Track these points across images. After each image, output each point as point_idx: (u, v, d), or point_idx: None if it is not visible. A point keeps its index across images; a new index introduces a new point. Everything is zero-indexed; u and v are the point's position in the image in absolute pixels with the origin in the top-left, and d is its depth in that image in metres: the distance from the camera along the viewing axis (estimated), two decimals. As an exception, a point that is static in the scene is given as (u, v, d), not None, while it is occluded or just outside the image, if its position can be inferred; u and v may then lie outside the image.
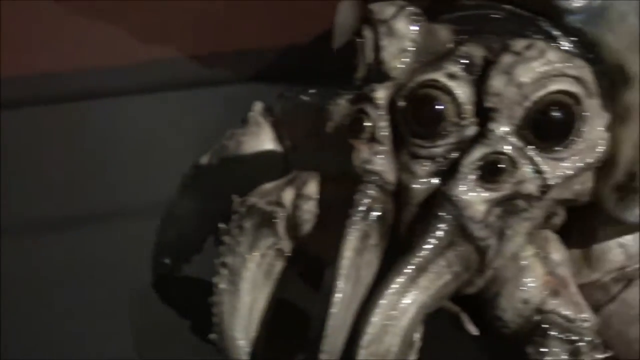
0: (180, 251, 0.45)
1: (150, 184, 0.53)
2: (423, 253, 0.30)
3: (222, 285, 0.34)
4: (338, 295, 0.30)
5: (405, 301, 0.30)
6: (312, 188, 0.33)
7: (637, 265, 0.34)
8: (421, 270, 0.30)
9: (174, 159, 0.48)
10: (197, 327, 0.35)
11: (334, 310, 0.30)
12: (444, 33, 0.32)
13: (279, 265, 0.34)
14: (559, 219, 0.33)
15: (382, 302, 0.30)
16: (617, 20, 0.31)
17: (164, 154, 0.56)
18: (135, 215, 0.52)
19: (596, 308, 0.34)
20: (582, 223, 0.34)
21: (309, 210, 0.33)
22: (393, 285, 0.30)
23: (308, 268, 0.34)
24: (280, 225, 0.33)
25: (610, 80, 0.31)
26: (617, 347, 0.33)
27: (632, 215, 0.33)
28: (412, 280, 0.30)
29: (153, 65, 0.65)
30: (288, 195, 0.33)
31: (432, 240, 0.30)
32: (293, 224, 0.33)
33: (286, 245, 0.34)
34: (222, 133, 0.43)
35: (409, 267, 0.30)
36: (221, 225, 0.34)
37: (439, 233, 0.30)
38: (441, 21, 0.32)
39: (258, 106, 0.42)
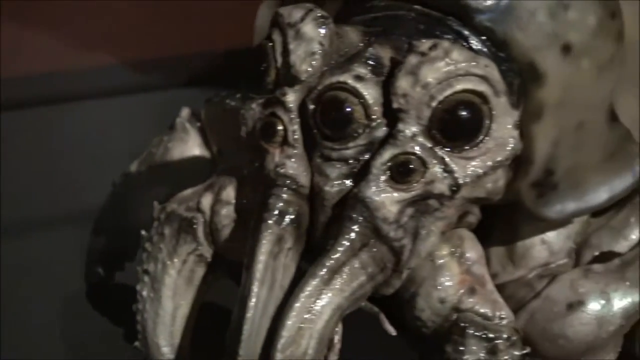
0: (112, 259, 0.44)
1: (82, 191, 0.53)
2: (336, 255, 0.30)
3: (144, 293, 0.34)
4: (253, 300, 0.30)
5: (320, 303, 0.30)
6: (229, 193, 0.33)
7: (561, 262, 0.35)
8: (335, 272, 0.30)
9: (106, 166, 0.47)
10: (130, 335, 0.35)
11: (249, 314, 0.30)
12: (353, 35, 0.32)
13: (200, 271, 0.34)
14: (473, 218, 0.33)
15: (296, 305, 0.30)
16: (526, 18, 0.31)
17: (96, 161, 0.56)
18: (68, 222, 0.51)
19: (521, 305, 0.34)
20: (504, 221, 0.34)
21: (227, 215, 0.33)
22: (307, 288, 0.30)
23: (233, 272, 0.34)
24: (200, 231, 0.33)
25: (522, 78, 0.31)
26: (542, 343, 0.33)
27: (551, 211, 0.33)
28: (326, 282, 0.30)
29: (83, 73, 0.64)
30: (207, 201, 0.33)
31: (345, 242, 0.30)
32: (212, 230, 0.33)
33: (207, 251, 0.33)
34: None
35: (322, 269, 0.30)
36: (142, 233, 0.34)
37: (352, 235, 0.30)
38: (352, 23, 0.32)
39: (185, 112, 0.42)
